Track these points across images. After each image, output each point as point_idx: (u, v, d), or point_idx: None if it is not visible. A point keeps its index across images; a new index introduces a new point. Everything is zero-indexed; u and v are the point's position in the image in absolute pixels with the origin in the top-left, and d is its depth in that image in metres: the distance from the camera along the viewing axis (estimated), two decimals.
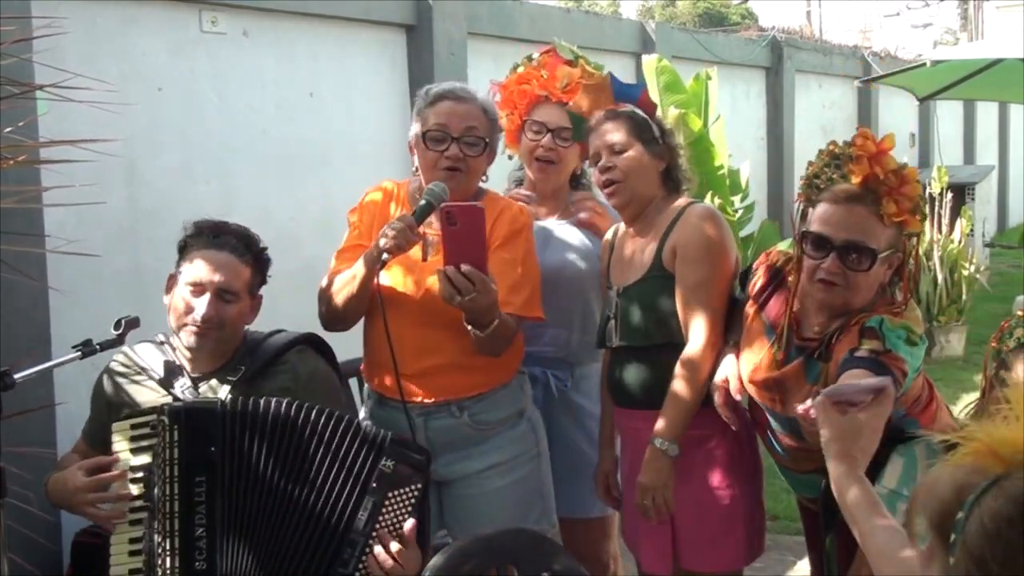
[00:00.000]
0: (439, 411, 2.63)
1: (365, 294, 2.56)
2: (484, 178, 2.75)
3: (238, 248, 2.46)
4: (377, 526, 2.22)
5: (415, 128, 2.69)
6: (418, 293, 2.59)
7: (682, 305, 2.60)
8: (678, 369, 2.58)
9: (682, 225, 2.62)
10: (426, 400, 2.62)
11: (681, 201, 2.71)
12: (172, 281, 2.48)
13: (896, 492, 2.26)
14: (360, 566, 2.21)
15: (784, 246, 2.75)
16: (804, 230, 2.36)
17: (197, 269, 2.41)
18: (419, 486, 2.25)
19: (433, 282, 2.52)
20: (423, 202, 2.52)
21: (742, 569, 2.74)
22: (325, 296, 2.66)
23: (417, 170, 2.71)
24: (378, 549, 2.20)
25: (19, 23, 2.82)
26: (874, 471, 2.34)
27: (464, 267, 2.36)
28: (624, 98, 2.78)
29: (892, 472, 2.27)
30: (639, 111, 2.73)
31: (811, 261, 2.34)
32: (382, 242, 2.45)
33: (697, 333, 2.58)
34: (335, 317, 2.66)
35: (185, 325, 2.41)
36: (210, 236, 2.46)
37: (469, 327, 2.49)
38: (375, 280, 2.51)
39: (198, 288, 2.40)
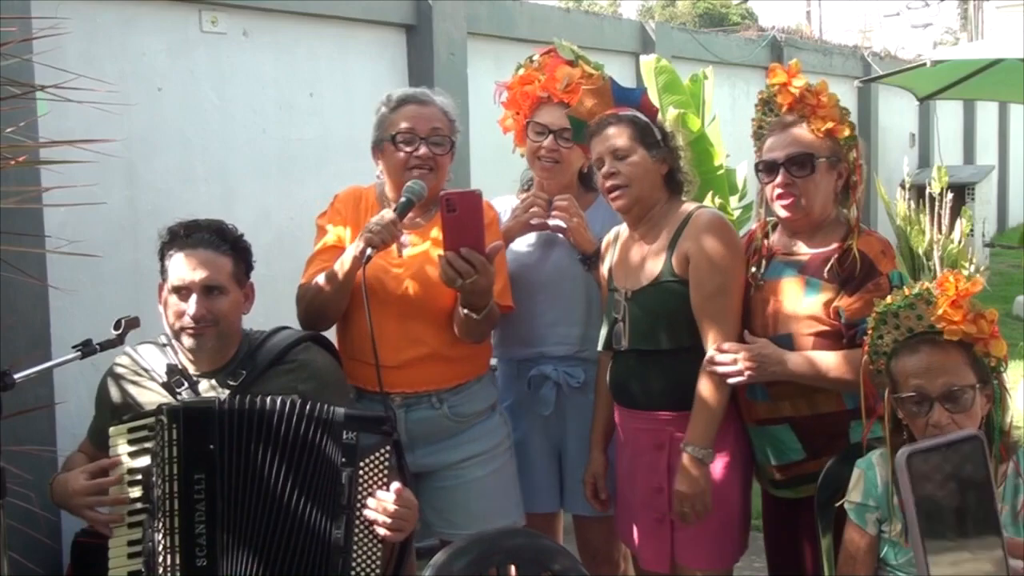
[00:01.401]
0: (419, 403, 2.71)
1: (348, 290, 2.62)
2: (449, 176, 2.83)
3: (213, 241, 2.46)
4: (359, 495, 2.28)
5: (380, 134, 2.77)
6: (396, 288, 2.67)
7: (700, 312, 2.61)
8: (702, 377, 2.58)
9: (692, 232, 2.63)
10: (407, 391, 2.68)
11: (687, 205, 2.73)
12: (161, 290, 2.50)
13: (863, 504, 2.31)
14: (356, 537, 2.27)
15: None
16: (756, 161, 2.68)
17: (177, 272, 2.42)
18: (388, 448, 2.32)
19: (412, 277, 2.64)
20: (404, 199, 2.60)
21: (732, 567, 2.77)
22: (305, 297, 2.71)
23: (380, 175, 2.80)
24: (368, 513, 2.27)
25: (19, 24, 2.83)
26: (834, 487, 2.40)
27: (464, 250, 2.44)
28: (625, 102, 2.78)
29: (856, 487, 2.33)
30: (640, 115, 2.73)
31: (768, 186, 2.63)
32: (367, 237, 2.51)
33: (718, 339, 2.58)
34: (316, 316, 2.70)
35: (182, 329, 2.42)
36: (183, 237, 2.46)
37: (464, 311, 2.57)
38: (360, 275, 2.55)
39: (184, 291, 2.41)
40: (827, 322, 2.53)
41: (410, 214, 2.66)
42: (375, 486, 2.29)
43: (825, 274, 2.54)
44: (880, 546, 2.30)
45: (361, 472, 2.29)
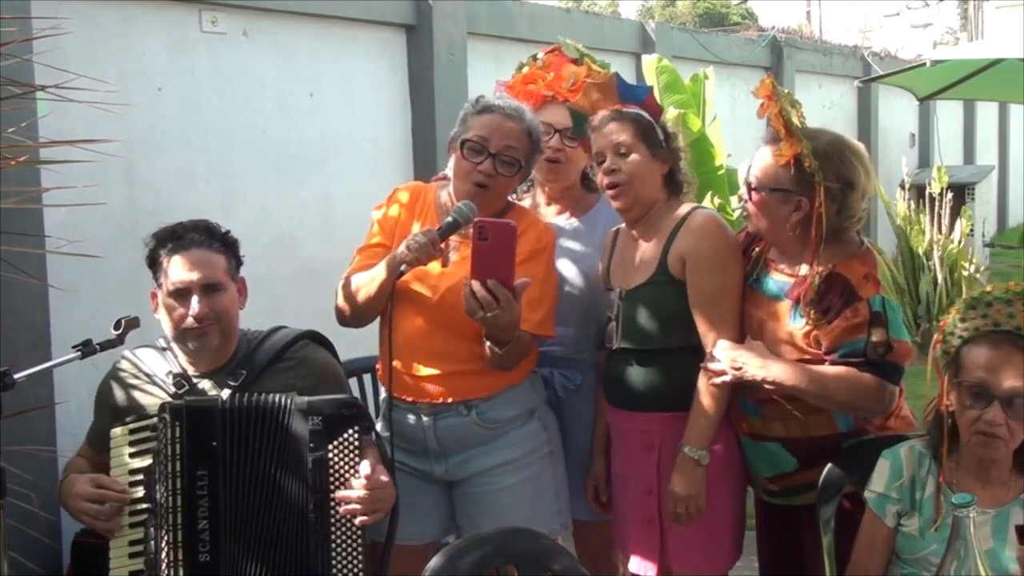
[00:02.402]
0: (448, 410, 2.66)
1: (383, 298, 2.59)
2: (514, 194, 2.76)
3: (204, 241, 2.47)
4: (331, 478, 2.31)
5: (456, 132, 2.70)
6: (434, 297, 2.62)
7: (699, 314, 2.59)
8: (702, 378, 2.57)
9: (687, 232, 2.61)
10: (435, 401, 2.64)
11: (685, 206, 2.70)
12: (155, 297, 2.50)
13: (884, 495, 2.30)
14: (332, 519, 2.30)
15: None
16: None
17: (174, 275, 2.43)
18: (356, 428, 2.34)
19: (449, 288, 2.57)
20: (450, 219, 2.54)
21: (727, 571, 2.74)
22: (343, 293, 2.68)
23: (448, 171, 2.73)
24: (341, 494, 2.29)
25: (19, 24, 2.83)
26: (860, 474, 2.38)
27: (490, 282, 2.37)
28: (630, 99, 2.75)
29: (879, 477, 2.31)
30: (645, 113, 2.70)
31: None
32: (403, 253, 2.48)
33: (717, 340, 2.56)
34: (351, 314, 2.68)
35: (185, 331, 2.42)
36: (173, 240, 2.47)
37: (487, 343, 2.52)
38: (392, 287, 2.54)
39: (183, 293, 2.42)
40: (808, 352, 2.49)
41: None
42: (347, 468, 2.31)
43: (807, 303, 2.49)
44: (896, 540, 2.29)
45: (331, 456, 2.31)
